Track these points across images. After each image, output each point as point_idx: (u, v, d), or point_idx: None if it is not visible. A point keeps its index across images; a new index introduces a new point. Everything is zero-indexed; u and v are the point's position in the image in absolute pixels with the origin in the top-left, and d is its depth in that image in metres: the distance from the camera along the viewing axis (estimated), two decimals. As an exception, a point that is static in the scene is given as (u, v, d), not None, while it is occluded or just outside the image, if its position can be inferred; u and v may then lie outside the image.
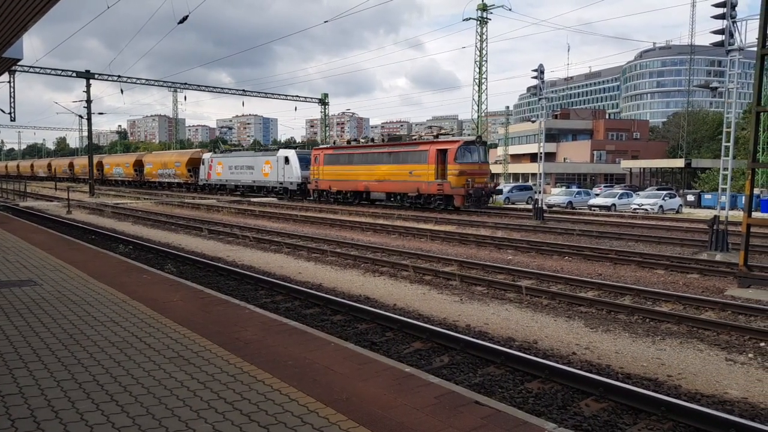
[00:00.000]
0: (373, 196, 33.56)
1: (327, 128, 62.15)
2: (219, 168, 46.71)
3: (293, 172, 39.16)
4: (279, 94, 58.13)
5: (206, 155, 49.90)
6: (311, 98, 59.27)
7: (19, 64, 25.27)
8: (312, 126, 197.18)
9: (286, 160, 39.67)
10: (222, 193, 46.16)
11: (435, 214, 27.27)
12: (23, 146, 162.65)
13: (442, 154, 28.73)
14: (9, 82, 38.71)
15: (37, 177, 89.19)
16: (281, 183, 40.20)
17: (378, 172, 32.45)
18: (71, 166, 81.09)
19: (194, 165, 50.97)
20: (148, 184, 59.56)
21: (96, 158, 73.96)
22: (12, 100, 39.54)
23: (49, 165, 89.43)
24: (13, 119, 40.03)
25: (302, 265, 13.28)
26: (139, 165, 61.16)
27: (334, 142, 40.32)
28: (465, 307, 9.26)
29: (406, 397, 4.33)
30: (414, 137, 33.96)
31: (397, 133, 38.62)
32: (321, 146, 39.90)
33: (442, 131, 33.68)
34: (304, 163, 38.77)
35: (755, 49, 11.09)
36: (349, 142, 38.65)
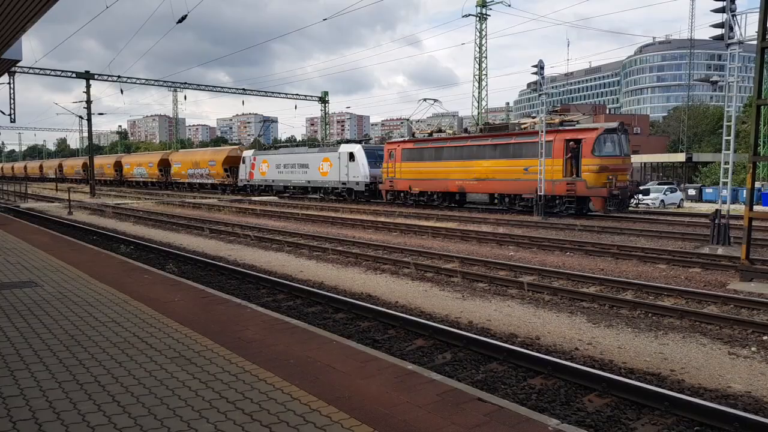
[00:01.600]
0: (470, 198, 28.54)
1: (327, 126, 62.10)
2: (264, 167, 41.69)
3: (359, 171, 33.88)
4: (279, 93, 58.07)
5: (247, 153, 44.67)
6: (311, 96, 59.22)
7: (18, 65, 25.27)
8: (312, 124, 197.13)
9: (351, 156, 34.41)
10: (266, 195, 41.79)
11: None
12: (24, 147, 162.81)
13: (574, 145, 23.33)
14: (9, 83, 38.69)
15: (47, 178, 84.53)
16: (344, 183, 35.03)
17: (477, 169, 26.79)
18: (85, 167, 76.26)
19: (232, 164, 46.25)
20: (175, 185, 54.59)
21: (113, 158, 69.82)
22: (12, 101, 39.53)
23: (60, 166, 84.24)
24: (13, 120, 39.99)
25: (304, 263, 13.27)
26: (164, 164, 56.02)
27: (413, 135, 33.53)
28: (467, 304, 9.25)
29: (409, 394, 4.32)
30: (525, 126, 27.28)
31: (498, 123, 34.08)
32: (396, 139, 35.53)
33: (567, 117, 26.25)
34: (373, 159, 33.75)
35: (755, 42, 11.05)
36: (431, 134, 32.20)
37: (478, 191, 27.39)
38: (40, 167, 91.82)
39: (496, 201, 27.16)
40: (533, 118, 26.64)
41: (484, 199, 27.69)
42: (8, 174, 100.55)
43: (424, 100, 32.15)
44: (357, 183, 34.31)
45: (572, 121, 25.55)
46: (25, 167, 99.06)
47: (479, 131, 28.82)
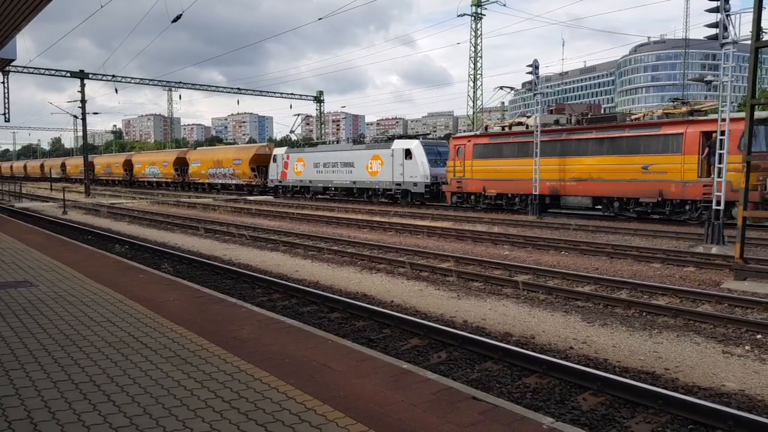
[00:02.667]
0: (565, 203, 23.96)
1: (323, 126, 62.06)
2: (299, 166, 37.73)
3: (418, 170, 29.62)
4: (274, 92, 57.99)
5: (279, 151, 40.58)
6: (306, 96, 59.18)
7: (12, 64, 25.15)
8: (307, 124, 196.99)
9: (407, 153, 30.10)
10: (300, 197, 38.11)
11: (432, 210, 26.95)
12: (18, 147, 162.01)
13: (711, 139, 18.85)
14: (3, 82, 38.55)
15: (47, 178, 78.32)
16: (398, 184, 30.70)
17: (577, 168, 22.78)
18: (91, 166, 71.66)
19: (260, 163, 42.64)
20: (193, 186, 50.85)
21: (123, 156, 65.52)
22: (6, 100, 39.37)
23: (63, 165, 79.86)
24: (7, 120, 39.89)
25: (299, 263, 13.27)
26: (181, 163, 52.18)
27: (486, 128, 28.70)
28: (462, 303, 9.27)
29: (404, 393, 4.33)
30: (637, 117, 23.18)
31: (606, 114, 28.25)
32: (466, 134, 30.23)
33: (695, 106, 21.62)
34: (433, 157, 29.80)
35: (749, 42, 11.10)
36: (510, 126, 26.84)
37: (577, 194, 23.06)
38: (41, 166, 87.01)
39: (599, 206, 22.75)
40: (528, 117, 26.48)
41: (584, 204, 23.25)
42: (6, 174, 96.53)
43: (501, 88, 28.17)
44: (415, 184, 29.87)
45: (700, 110, 21.21)
46: (25, 167, 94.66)
47: (576, 123, 24.04)
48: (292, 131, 45.71)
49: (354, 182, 33.84)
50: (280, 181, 39.76)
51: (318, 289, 9.94)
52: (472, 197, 27.29)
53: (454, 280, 11.00)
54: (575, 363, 6.12)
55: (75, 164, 76.13)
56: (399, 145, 31.25)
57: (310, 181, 37.21)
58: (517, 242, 15.90)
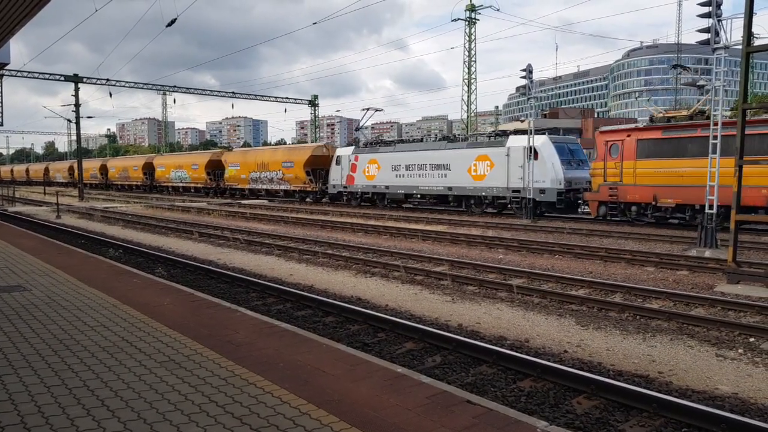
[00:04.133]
0: None
1: (317, 129, 62.10)
2: (371, 169, 31.89)
3: (547, 172, 23.38)
4: (268, 96, 58.02)
5: (343, 151, 34.79)
6: (301, 100, 59.22)
7: (6, 68, 25.06)
8: (302, 128, 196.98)
9: (533, 152, 23.57)
10: (369, 205, 32.71)
11: (426, 214, 26.92)
12: (11, 151, 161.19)
13: None
14: (-4, 86, 38.32)
15: (55, 182, 74.00)
16: (516, 191, 24.49)
17: None
18: (104, 169, 65.40)
19: (317, 165, 36.95)
20: (229, 191, 44.88)
21: (142, 158, 59.88)
22: (0, 104, 39.17)
23: (71, 169, 70.94)
24: (1, 124, 39.65)
25: (294, 266, 13.25)
26: (215, 167, 46.22)
27: (652, 119, 21.92)
28: (457, 307, 9.28)
29: (398, 397, 4.33)
30: None
31: None
32: (623, 126, 24.02)
33: None
34: (566, 156, 24.02)
35: (740, 47, 11.20)
36: (692, 117, 20.39)
37: None
38: (46, 170, 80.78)
39: None
40: (522, 121, 26.72)
41: None
42: (6, 177, 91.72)
43: (674, 66, 26.33)
44: (542, 191, 23.48)
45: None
46: (27, 170, 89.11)
47: None
48: (358, 128, 37.70)
49: (449, 188, 27.56)
50: (345, 187, 33.81)
51: (312, 293, 9.93)
52: (633, 208, 21.21)
53: (448, 283, 11.02)
54: (569, 366, 6.14)
55: (84, 168, 70.26)
56: (517, 141, 24.82)
57: (387, 187, 31.16)
58: (511, 246, 15.93)
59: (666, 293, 9.60)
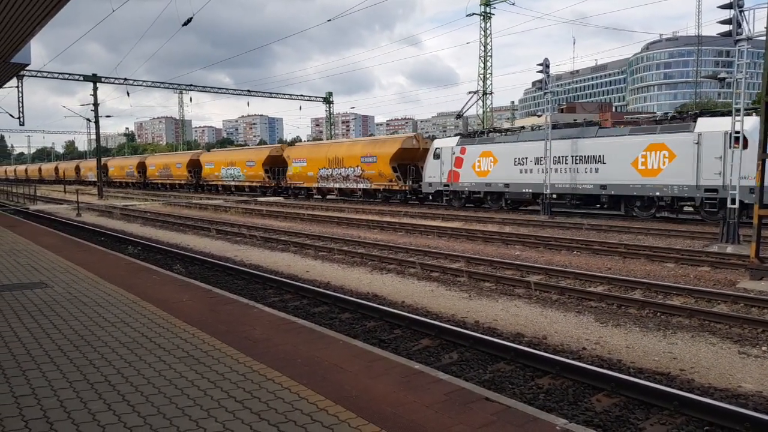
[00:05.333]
0: None
1: (333, 127, 62.21)
2: (484, 163, 26.71)
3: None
4: (283, 94, 58.18)
5: (443, 143, 29.83)
6: (316, 97, 59.33)
7: (26, 69, 25.44)
8: (317, 125, 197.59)
9: (742, 139, 15.96)
10: (470, 207, 28.06)
11: (441, 210, 26.73)
12: (32, 150, 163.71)
13: None
14: (17, 87, 39.00)
15: (87, 181, 69.63)
16: (711, 189, 19.25)
17: None
18: (142, 167, 60.32)
19: (405, 160, 31.90)
20: (292, 190, 40.52)
21: (186, 155, 55.21)
22: (20, 104, 39.84)
23: (105, 167, 66.30)
24: (22, 123, 40.35)
25: (310, 263, 13.30)
26: (273, 163, 41.92)
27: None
28: (473, 304, 9.24)
29: (416, 394, 4.32)
30: None
31: None
32: None
33: None
34: None
35: (764, 38, 10.97)
36: None
37: None
38: (77, 168, 76.04)
39: None
40: (539, 116, 26.43)
41: None
42: (34, 177, 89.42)
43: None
44: (752, 190, 15.97)
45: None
46: (57, 168, 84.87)
47: None
48: (460, 115, 31.86)
49: (602, 186, 22.36)
50: (446, 185, 28.51)
51: (329, 289, 9.95)
52: None
53: (465, 280, 10.97)
54: (589, 364, 6.08)
55: (120, 165, 66.49)
56: (712, 125, 19.51)
57: (507, 185, 25.90)
58: (528, 242, 15.82)
59: (687, 290, 9.47)
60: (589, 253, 14.14)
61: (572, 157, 23.50)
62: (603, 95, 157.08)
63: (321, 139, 57.43)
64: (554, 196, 24.06)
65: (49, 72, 44.53)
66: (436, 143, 30.21)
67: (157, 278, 9.10)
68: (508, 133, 28.03)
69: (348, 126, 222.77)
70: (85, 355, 5.20)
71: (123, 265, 10.46)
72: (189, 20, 24.12)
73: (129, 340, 5.68)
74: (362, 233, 18.88)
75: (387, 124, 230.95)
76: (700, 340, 7.23)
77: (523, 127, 28.24)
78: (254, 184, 43.90)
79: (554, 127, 25.20)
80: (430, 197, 30.45)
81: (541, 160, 24.23)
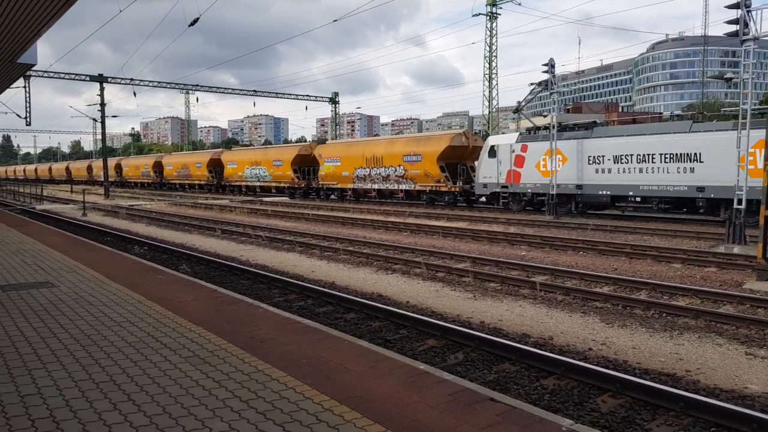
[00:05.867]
0: None
1: (338, 127, 62.26)
2: (551, 161, 23.72)
3: None
4: (289, 94, 58.27)
5: (500, 140, 27.16)
6: (321, 97, 59.37)
7: (33, 69, 25.58)
8: (323, 125, 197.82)
9: None
10: (531, 210, 25.58)
11: (447, 210, 26.68)
12: (39, 150, 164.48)
13: None
14: (24, 87, 39.20)
15: (99, 181, 63.10)
16: None
17: None
18: (158, 167, 57.58)
19: (454, 159, 29.23)
20: (324, 191, 37.50)
21: (206, 155, 51.98)
22: (27, 105, 40.05)
23: (119, 167, 65.49)
24: (28, 123, 40.54)
25: (315, 263, 13.31)
26: (304, 162, 39.24)
27: None
28: (479, 304, 9.22)
29: (421, 394, 4.32)
30: None
31: None
32: None
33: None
34: None
35: (771, 38, 10.91)
36: None
37: None
38: (89, 168, 72.08)
39: None
40: (545, 116, 26.20)
41: None
42: (44, 176, 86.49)
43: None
44: None
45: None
46: (68, 168, 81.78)
47: None
48: (519, 110, 28.02)
49: (700, 188, 19.87)
50: (504, 186, 26.00)
51: (334, 289, 9.96)
52: None
53: (470, 280, 10.96)
54: (594, 365, 6.06)
55: (135, 165, 63.33)
56: None
57: (579, 186, 23.20)
58: (534, 243, 15.79)
59: (693, 290, 9.43)
60: (594, 253, 14.09)
61: (660, 155, 20.93)
62: (609, 95, 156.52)
63: (327, 139, 56.75)
64: (637, 198, 21.79)
65: (55, 72, 44.71)
66: (492, 140, 27.52)
67: (162, 278, 9.13)
68: (576, 128, 24.71)
69: (353, 126, 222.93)
70: (91, 355, 5.22)
71: (129, 264, 10.49)
72: (196, 20, 24.20)
73: (135, 339, 5.70)
74: (367, 233, 18.88)
75: (392, 125, 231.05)
76: (707, 341, 7.20)
77: (595, 122, 24.87)
78: (282, 184, 40.97)
79: (632, 121, 23.08)
80: (483, 199, 28.08)
81: (622, 159, 21.60)
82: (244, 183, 45.11)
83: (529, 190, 25.26)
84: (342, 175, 35.49)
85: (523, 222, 21.18)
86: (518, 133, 26.93)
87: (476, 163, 28.14)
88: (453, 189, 28.86)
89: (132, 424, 3.77)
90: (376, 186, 33.50)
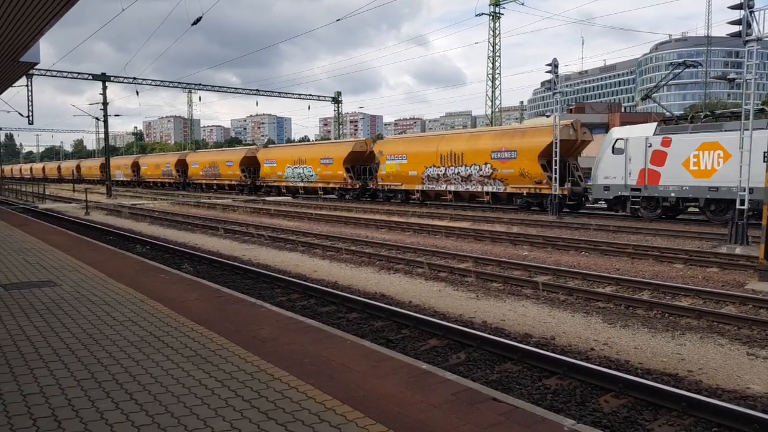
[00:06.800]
0: None
1: (341, 126, 62.27)
2: (708, 158, 19.72)
3: None
4: (292, 93, 58.30)
5: (629, 131, 22.50)
6: (324, 97, 59.39)
7: (35, 68, 25.64)
8: (325, 125, 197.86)
9: None
10: (663, 219, 21.42)
11: (450, 210, 26.65)
12: (41, 149, 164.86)
13: None
14: (26, 85, 39.30)
15: (118, 181, 63.43)
16: None
17: None
18: (181, 165, 53.97)
19: (560, 155, 23.32)
20: (384, 194, 33.31)
21: (241, 152, 47.85)
22: (30, 103, 40.14)
23: (136, 165, 62.03)
24: (31, 122, 40.67)
25: (317, 263, 13.31)
26: (357, 160, 35.14)
27: None
28: (481, 304, 9.22)
29: (423, 394, 4.32)
30: None
31: None
32: None
33: None
34: None
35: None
36: None
37: None
38: (101, 167, 65.46)
39: None
40: (548, 116, 26.10)
41: None
42: (53, 176, 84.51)
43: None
44: None
45: None
46: (78, 167, 77.50)
47: None
48: (647, 96, 25.38)
49: None
50: (635, 189, 21.77)
51: (336, 289, 9.96)
52: None
53: (472, 280, 10.95)
54: (596, 364, 6.05)
55: (155, 163, 59.25)
56: None
57: (750, 190, 15.96)
58: (536, 242, 15.77)
59: (695, 291, 9.41)
60: (597, 253, 14.08)
61: None
62: (612, 95, 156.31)
63: (329, 138, 55.89)
64: None
65: (58, 71, 44.80)
66: (616, 132, 22.83)
67: (165, 277, 9.14)
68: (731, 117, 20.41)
69: (356, 126, 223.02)
70: (93, 354, 5.23)
71: (131, 263, 10.51)
72: (198, 19, 24.21)
73: (137, 338, 5.71)
74: (370, 233, 18.88)
75: (395, 124, 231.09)
76: (709, 342, 7.19)
77: (763, 110, 20.45)
78: (331, 185, 36.84)
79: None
80: (602, 204, 24.34)
81: None
82: (284, 183, 41.24)
83: (673, 194, 20.70)
84: (408, 175, 30.95)
85: (525, 222, 21.16)
86: (655, 124, 22.12)
87: (579, 160, 25.32)
88: (563, 192, 23.85)
89: (134, 423, 3.78)
90: (452, 188, 28.84)
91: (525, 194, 26.09)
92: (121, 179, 64.13)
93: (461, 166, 28.27)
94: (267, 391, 4.34)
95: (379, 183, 33.22)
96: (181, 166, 54.66)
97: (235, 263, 12.49)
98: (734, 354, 6.74)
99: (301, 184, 39.51)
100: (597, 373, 5.64)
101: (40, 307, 7.04)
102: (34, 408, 4.02)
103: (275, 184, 42.36)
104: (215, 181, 49.43)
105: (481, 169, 27.39)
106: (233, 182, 47.06)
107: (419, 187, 30.75)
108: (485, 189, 27.45)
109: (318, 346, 5.47)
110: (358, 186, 35.11)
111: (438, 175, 29.46)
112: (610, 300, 9.11)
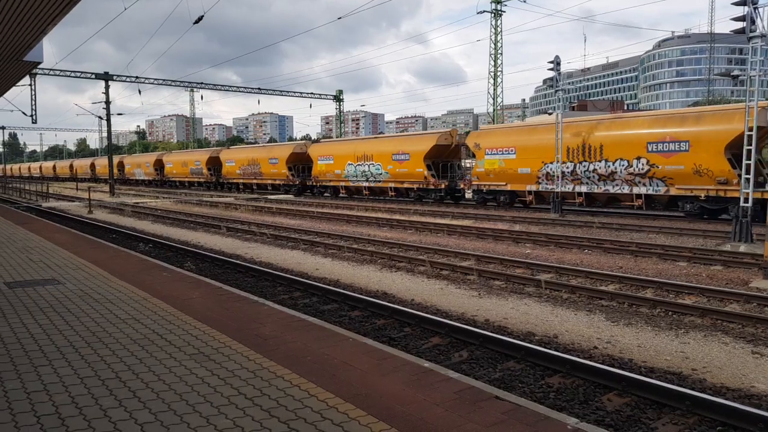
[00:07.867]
0: None
1: (342, 124, 62.25)
2: None
3: None
4: (294, 92, 58.27)
5: None
6: (326, 95, 59.35)
7: (38, 67, 25.64)
8: (327, 123, 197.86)
9: None
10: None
11: (452, 208, 26.57)
12: (45, 148, 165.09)
13: None
14: (30, 85, 39.36)
15: (131, 181, 62.32)
16: None
17: None
18: (214, 162, 49.83)
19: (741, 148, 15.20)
20: (483, 195, 28.09)
21: (287, 148, 42.28)
22: (33, 102, 40.20)
23: (159, 163, 57.82)
24: (34, 121, 40.74)
25: (319, 261, 13.31)
26: (440, 155, 30.25)
27: None
28: (483, 302, 9.21)
29: (426, 392, 4.31)
30: None
31: None
32: None
33: None
34: None
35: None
36: None
37: None
38: (120, 165, 63.87)
39: None
40: (550, 114, 26.04)
41: None
42: (64, 174, 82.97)
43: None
44: None
45: None
46: (92, 165, 74.13)
47: None
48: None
49: None
50: None
51: (338, 287, 9.96)
52: None
53: (475, 278, 10.94)
54: (599, 363, 6.04)
55: (182, 161, 54.34)
56: None
57: None
58: (539, 240, 15.75)
59: (699, 289, 9.38)
60: (600, 251, 14.05)
61: None
62: (614, 93, 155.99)
63: (331, 137, 52.93)
64: None
65: (61, 70, 44.86)
66: None
67: (167, 275, 9.15)
68: None
69: (358, 124, 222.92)
70: (97, 352, 5.23)
71: (134, 262, 10.52)
72: (200, 18, 24.21)
73: (140, 336, 5.71)
74: (372, 231, 18.87)
75: (397, 122, 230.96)
76: (713, 340, 7.16)
77: None
78: (405, 185, 31.75)
79: None
80: None
81: None
82: (342, 182, 35.99)
83: None
84: (517, 172, 25.98)
85: (528, 220, 21.12)
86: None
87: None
88: (766, 195, 18.22)
89: (137, 420, 3.78)
90: (584, 188, 23.71)
91: (703, 196, 20.29)
92: (143, 178, 60.28)
93: (599, 161, 22.92)
94: (269, 389, 4.34)
95: (474, 182, 28.16)
96: (213, 163, 50.10)
97: (238, 261, 12.49)
98: (739, 352, 6.72)
99: (366, 184, 34.30)
100: (600, 372, 5.62)
101: (43, 305, 7.05)
102: (38, 405, 4.02)
103: (331, 183, 37.17)
104: (255, 181, 44.63)
105: (631, 166, 22.01)
106: (278, 182, 42.28)
107: (532, 187, 25.59)
108: (633, 191, 22.18)
109: (320, 344, 5.47)
110: (443, 185, 29.71)
111: (563, 172, 23.88)
112: (614, 298, 9.09)
